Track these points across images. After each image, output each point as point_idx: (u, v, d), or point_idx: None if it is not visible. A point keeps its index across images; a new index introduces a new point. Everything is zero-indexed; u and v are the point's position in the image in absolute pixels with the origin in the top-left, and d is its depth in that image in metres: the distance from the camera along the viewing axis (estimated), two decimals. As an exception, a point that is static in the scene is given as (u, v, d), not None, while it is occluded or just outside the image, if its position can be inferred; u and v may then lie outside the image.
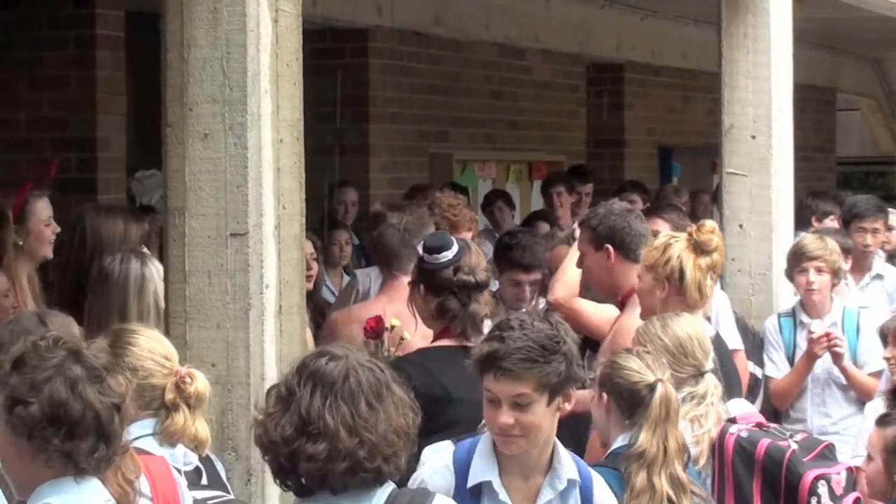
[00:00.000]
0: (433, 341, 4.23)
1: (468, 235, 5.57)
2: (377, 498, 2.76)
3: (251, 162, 3.80)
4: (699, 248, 4.43)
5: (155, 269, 4.54)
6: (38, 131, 6.95)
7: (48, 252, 5.13)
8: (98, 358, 2.82)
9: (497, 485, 3.15)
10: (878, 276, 6.52)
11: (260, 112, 3.83)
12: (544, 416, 3.09)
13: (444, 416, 3.86)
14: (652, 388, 3.58)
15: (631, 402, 3.62)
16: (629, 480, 3.60)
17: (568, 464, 3.23)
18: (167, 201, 3.96)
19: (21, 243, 5.08)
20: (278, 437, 2.72)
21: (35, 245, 5.04)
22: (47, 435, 2.63)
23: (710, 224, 4.56)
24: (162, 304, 4.35)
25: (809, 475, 4.03)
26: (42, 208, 5.31)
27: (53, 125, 6.93)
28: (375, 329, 4.57)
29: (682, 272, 4.39)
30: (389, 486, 2.79)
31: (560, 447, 3.24)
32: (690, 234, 4.45)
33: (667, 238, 4.56)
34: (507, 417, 3.03)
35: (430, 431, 3.42)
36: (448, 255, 4.20)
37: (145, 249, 4.77)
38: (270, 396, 2.87)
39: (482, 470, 3.10)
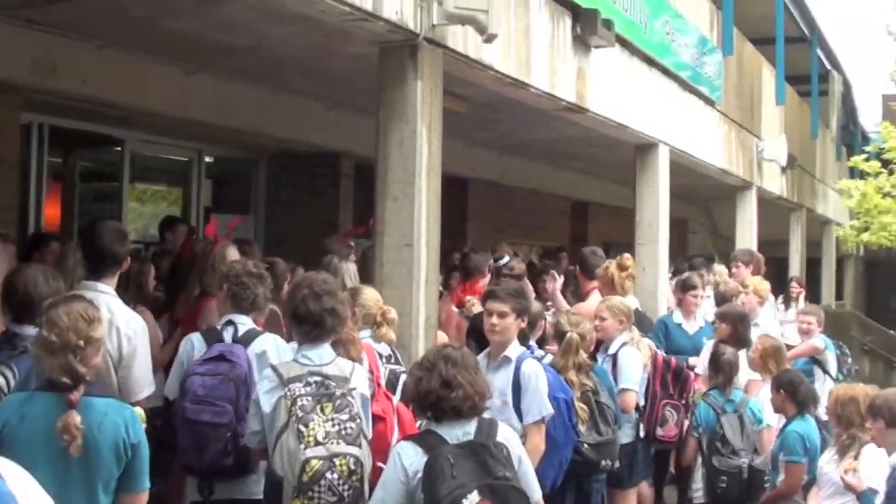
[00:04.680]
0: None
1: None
2: (472, 423, 3.71)
3: (415, 212, 5.69)
4: (621, 267, 6.75)
5: (350, 265, 6.59)
6: (314, 215, 11.44)
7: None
8: (328, 285, 4.12)
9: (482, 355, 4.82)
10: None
11: (421, 188, 5.68)
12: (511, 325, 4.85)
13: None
14: (565, 333, 5.60)
15: (559, 336, 5.66)
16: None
17: (513, 351, 4.87)
18: (376, 228, 5.74)
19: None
20: (424, 390, 3.66)
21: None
22: (294, 323, 4.09)
23: (627, 255, 6.92)
24: (356, 280, 6.25)
25: (690, 374, 6.39)
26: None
27: (326, 213, 11.60)
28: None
29: (613, 278, 6.73)
30: (477, 418, 3.73)
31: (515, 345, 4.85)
32: (617, 261, 6.79)
33: (606, 262, 6.89)
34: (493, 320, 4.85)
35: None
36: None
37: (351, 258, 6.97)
38: (416, 368, 3.75)
39: None
